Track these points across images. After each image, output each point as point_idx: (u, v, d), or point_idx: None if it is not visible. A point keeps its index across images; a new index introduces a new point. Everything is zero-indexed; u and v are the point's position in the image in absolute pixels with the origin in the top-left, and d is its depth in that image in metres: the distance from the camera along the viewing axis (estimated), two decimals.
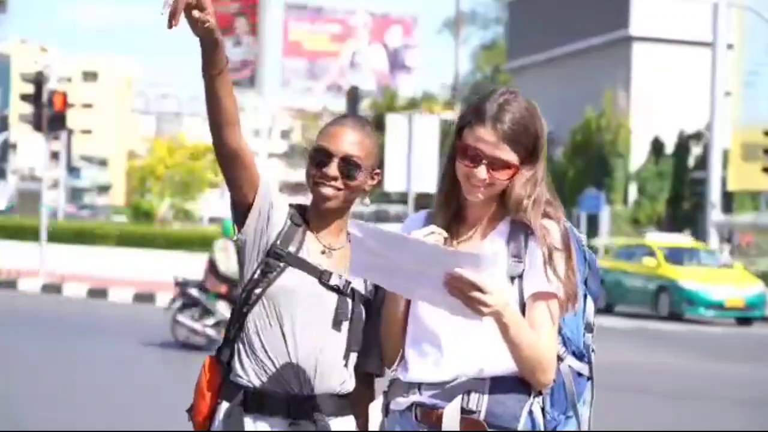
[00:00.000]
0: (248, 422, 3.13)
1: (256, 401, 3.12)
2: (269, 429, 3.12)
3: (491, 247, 2.94)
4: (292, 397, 3.11)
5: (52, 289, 22.37)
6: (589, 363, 3.04)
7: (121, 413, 9.65)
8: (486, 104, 2.93)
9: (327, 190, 3.16)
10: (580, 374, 3.00)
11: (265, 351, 3.14)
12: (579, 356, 3.00)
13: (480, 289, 2.65)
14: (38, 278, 23.14)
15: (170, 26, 2.79)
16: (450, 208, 3.02)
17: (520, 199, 2.92)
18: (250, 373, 3.14)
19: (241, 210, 3.18)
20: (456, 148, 2.96)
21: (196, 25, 2.85)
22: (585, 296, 3.06)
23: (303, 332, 3.13)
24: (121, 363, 12.85)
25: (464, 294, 2.66)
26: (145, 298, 21.27)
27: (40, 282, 22.87)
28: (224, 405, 3.16)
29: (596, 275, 3.12)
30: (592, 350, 3.08)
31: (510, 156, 2.89)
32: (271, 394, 3.12)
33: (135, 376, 11.96)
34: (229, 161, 3.10)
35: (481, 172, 2.89)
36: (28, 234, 25.11)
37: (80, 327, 15.99)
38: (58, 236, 25.73)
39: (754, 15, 33.43)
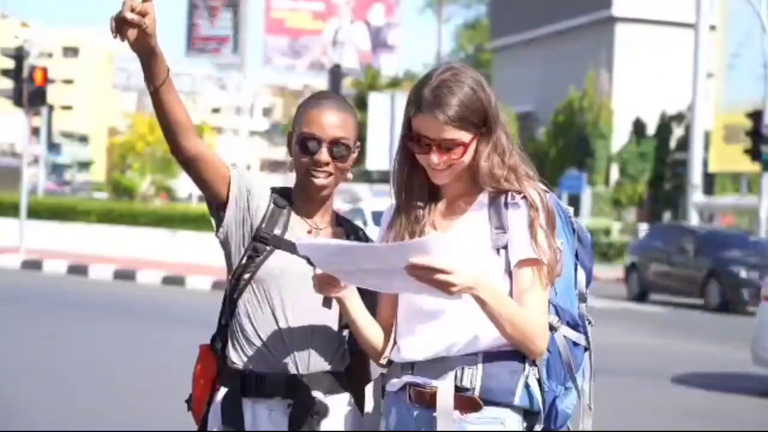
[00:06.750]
0: (247, 406, 3.14)
1: (253, 385, 3.14)
2: (268, 411, 3.14)
3: (472, 222, 2.91)
4: (289, 377, 3.13)
5: (32, 265, 22.27)
6: (585, 334, 3.01)
7: (109, 391, 9.62)
8: (423, 91, 2.87)
9: (320, 180, 3.17)
10: (576, 344, 2.96)
11: (258, 334, 3.15)
12: (573, 326, 2.96)
13: (442, 271, 2.65)
14: (18, 254, 23.04)
15: (122, 39, 2.81)
16: (415, 189, 2.97)
17: (489, 171, 2.89)
18: (244, 358, 3.16)
19: (218, 205, 3.19)
20: (407, 138, 2.91)
21: (136, 40, 2.83)
22: (576, 267, 3.03)
23: (294, 313, 3.14)
24: (103, 340, 12.82)
25: (429, 279, 2.66)
26: (126, 275, 21.21)
27: (20, 258, 22.77)
28: (222, 391, 3.18)
29: (588, 249, 3.09)
30: (589, 321, 3.05)
31: (458, 134, 2.85)
32: (268, 377, 3.13)
33: (117, 353, 11.92)
34: (192, 165, 3.10)
35: (433, 158, 2.87)
36: (8, 210, 24.93)
37: (60, 304, 15.92)
38: (37, 212, 25.55)
39: None
